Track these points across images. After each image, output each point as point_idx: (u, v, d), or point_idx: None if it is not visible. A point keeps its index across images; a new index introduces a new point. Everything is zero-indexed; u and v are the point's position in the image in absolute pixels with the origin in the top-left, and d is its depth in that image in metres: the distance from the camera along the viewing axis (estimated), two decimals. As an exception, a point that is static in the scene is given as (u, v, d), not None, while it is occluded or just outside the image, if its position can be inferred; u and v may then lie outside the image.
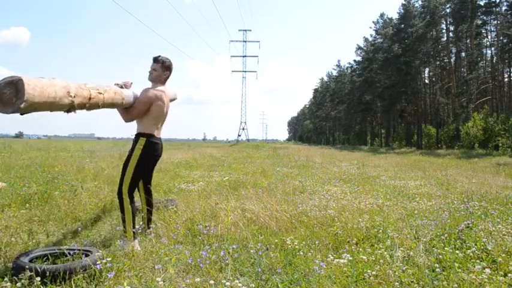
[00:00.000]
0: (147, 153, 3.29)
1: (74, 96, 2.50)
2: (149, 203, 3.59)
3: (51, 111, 2.46)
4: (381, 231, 3.38)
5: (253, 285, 2.24)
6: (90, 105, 2.73)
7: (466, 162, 16.73)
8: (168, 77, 3.46)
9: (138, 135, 3.31)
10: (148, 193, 3.61)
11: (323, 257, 2.76)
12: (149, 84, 3.43)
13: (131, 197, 3.24)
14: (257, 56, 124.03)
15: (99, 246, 3.14)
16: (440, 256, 2.72)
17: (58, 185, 5.94)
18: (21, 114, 2.19)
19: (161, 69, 3.39)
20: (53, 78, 2.39)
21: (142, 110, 3.26)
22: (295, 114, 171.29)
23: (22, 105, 2.05)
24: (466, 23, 32.96)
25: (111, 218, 4.19)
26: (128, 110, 3.30)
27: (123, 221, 3.19)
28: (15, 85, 2.06)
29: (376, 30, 51.83)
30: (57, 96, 2.33)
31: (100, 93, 2.82)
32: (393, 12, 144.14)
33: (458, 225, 3.40)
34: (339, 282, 2.34)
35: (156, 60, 3.39)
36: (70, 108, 2.52)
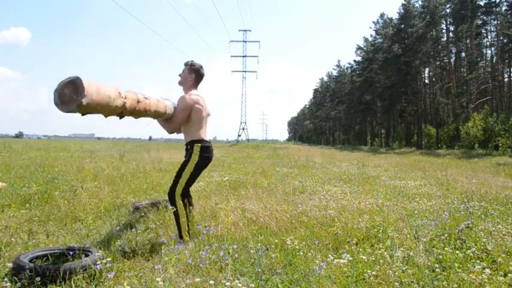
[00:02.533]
0: (204, 158, 3.37)
1: (125, 98, 2.60)
2: (191, 203, 3.68)
3: (106, 114, 2.53)
4: (381, 231, 3.38)
5: (253, 286, 2.24)
6: (139, 109, 2.80)
7: (466, 162, 16.73)
8: (197, 81, 3.51)
9: (192, 143, 3.37)
10: (189, 195, 3.70)
11: (323, 257, 2.75)
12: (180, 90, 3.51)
13: (183, 200, 3.30)
14: (257, 56, 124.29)
15: (99, 246, 3.14)
16: (440, 256, 2.72)
17: (58, 185, 5.94)
18: (83, 114, 2.31)
19: (187, 71, 3.47)
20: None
21: (184, 118, 3.33)
22: (295, 114, 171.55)
23: (83, 100, 2.17)
24: (466, 23, 32.97)
25: (111, 218, 4.19)
26: (170, 121, 3.39)
27: (178, 224, 3.24)
28: (73, 84, 2.19)
29: (376, 31, 51.84)
30: (111, 95, 2.44)
31: (146, 98, 2.91)
32: (393, 12, 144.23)
33: (458, 225, 3.40)
34: (339, 282, 2.34)
35: (185, 64, 3.51)
36: (123, 111, 2.61)
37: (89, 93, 2.20)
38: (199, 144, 3.35)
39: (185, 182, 3.31)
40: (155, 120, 3.42)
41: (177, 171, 3.39)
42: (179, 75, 3.51)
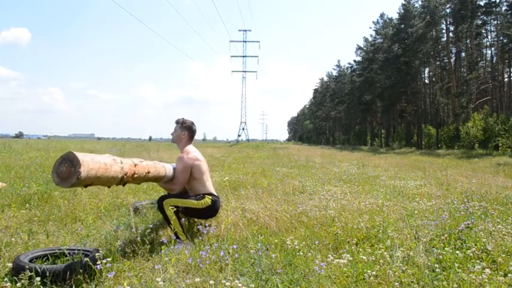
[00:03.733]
0: (211, 209, 3.41)
1: (121, 163, 2.67)
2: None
3: (108, 182, 2.60)
4: (381, 231, 3.38)
5: (253, 286, 2.24)
6: (138, 173, 2.87)
7: (466, 162, 16.72)
8: (190, 137, 3.60)
9: (204, 194, 3.42)
10: None
11: (323, 257, 2.75)
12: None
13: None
14: (257, 56, 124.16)
15: (99, 246, 3.14)
16: (440, 256, 2.72)
17: (58, 185, 5.93)
18: (85, 186, 2.42)
19: (180, 129, 3.55)
20: None
21: (186, 178, 3.39)
22: (295, 114, 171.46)
23: (81, 169, 2.25)
24: (466, 23, 32.97)
25: (111, 218, 4.19)
26: (173, 183, 3.41)
27: (170, 227, 3.24)
28: (67, 159, 2.30)
29: (376, 31, 51.83)
30: (107, 162, 2.51)
31: (141, 161, 3.00)
32: (393, 12, 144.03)
33: (458, 226, 3.40)
34: (339, 283, 2.33)
35: (176, 122, 3.59)
36: (123, 176, 2.67)
37: (85, 162, 2.29)
38: (210, 197, 3.41)
39: (179, 205, 3.26)
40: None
41: (178, 196, 3.37)
42: (171, 134, 3.60)
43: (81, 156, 2.29)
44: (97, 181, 2.46)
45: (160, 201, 3.27)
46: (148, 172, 3.02)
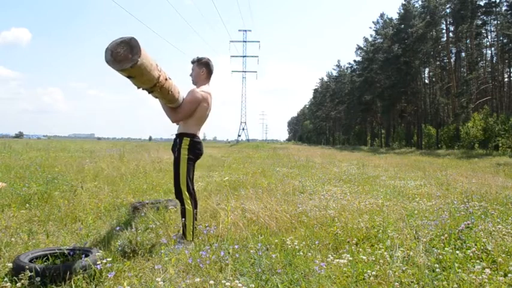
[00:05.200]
0: (193, 152, 3.36)
1: (160, 71, 2.68)
2: (196, 204, 3.69)
3: (144, 82, 2.61)
4: (381, 231, 3.38)
5: (253, 286, 2.24)
6: (166, 87, 2.86)
7: (466, 162, 16.72)
8: (209, 74, 3.52)
9: (182, 136, 3.36)
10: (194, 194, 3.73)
11: (323, 257, 2.75)
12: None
13: (191, 196, 3.29)
14: (257, 56, 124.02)
15: (99, 246, 3.14)
16: (440, 256, 2.72)
17: (58, 185, 5.94)
18: (128, 76, 2.42)
19: (198, 67, 3.48)
20: None
21: (190, 110, 3.33)
22: (295, 115, 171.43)
23: (139, 59, 2.26)
24: (466, 23, 32.96)
25: (111, 218, 4.19)
26: (176, 110, 3.36)
27: (184, 223, 3.22)
28: (128, 43, 2.29)
29: (376, 31, 51.82)
30: (153, 64, 2.53)
31: (170, 78, 2.97)
32: (393, 12, 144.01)
33: (458, 226, 3.39)
34: (339, 283, 2.33)
35: (192, 61, 3.51)
36: (156, 83, 2.68)
37: (143, 55, 2.30)
38: (189, 139, 3.34)
39: (185, 178, 3.28)
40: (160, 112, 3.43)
41: (173, 171, 3.37)
42: (190, 75, 3.52)
43: (141, 46, 2.29)
44: (139, 76, 2.46)
45: (179, 192, 3.25)
46: (171, 91, 3.01)
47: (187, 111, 3.33)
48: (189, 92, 3.36)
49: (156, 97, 3.08)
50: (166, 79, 2.84)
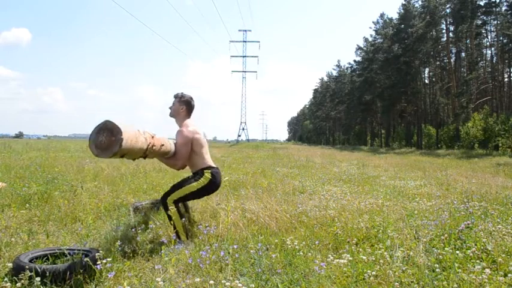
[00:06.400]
0: (212, 183, 3.40)
1: (144, 133, 2.69)
2: (187, 206, 3.78)
3: (137, 153, 2.62)
4: (381, 231, 3.38)
5: (253, 286, 2.24)
6: (155, 146, 2.88)
7: (466, 162, 16.72)
8: (188, 111, 3.56)
9: (202, 170, 3.40)
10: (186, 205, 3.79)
11: (323, 257, 2.75)
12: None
13: (177, 204, 3.31)
14: (257, 56, 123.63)
15: (99, 246, 3.14)
16: (440, 256, 2.72)
17: (58, 185, 5.94)
18: (121, 156, 2.42)
19: (178, 103, 3.51)
20: None
21: (187, 152, 3.36)
22: (295, 115, 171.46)
23: (123, 136, 2.24)
24: (466, 23, 32.94)
25: (111, 218, 4.19)
26: (175, 157, 3.39)
27: (174, 226, 3.24)
28: (105, 128, 2.28)
29: (376, 31, 51.81)
30: (135, 131, 2.52)
31: (155, 134, 3.00)
32: (393, 12, 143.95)
33: (458, 226, 3.39)
34: (339, 283, 2.33)
35: (174, 96, 3.55)
36: (147, 147, 2.70)
37: (124, 130, 2.29)
38: (210, 170, 3.40)
39: (182, 196, 3.30)
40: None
41: (179, 181, 3.40)
42: (170, 108, 3.55)
43: (118, 123, 2.27)
44: (131, 150, 2.45)
45: (164, 198, 3.26)
46: (162, 145, 3.02)
47: (185, 154, 3.36)
48: (178, 135, 3.40)
49: (153, 157, 3.11)
50: (152, 137, 2.85)
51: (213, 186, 3.43)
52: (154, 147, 2.84)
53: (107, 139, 2.25)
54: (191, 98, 3.56)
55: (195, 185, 3.32)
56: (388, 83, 42.47)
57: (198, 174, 3.40)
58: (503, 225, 3.47)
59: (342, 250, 3.00)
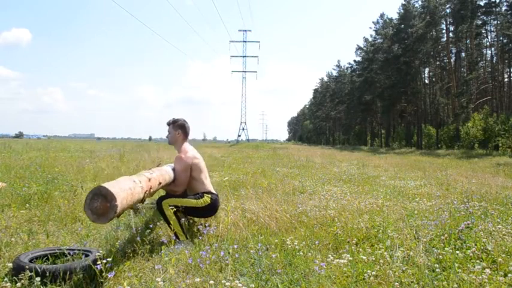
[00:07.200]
0: (210, 208, 3.42)
1: (140, 182, 2.69)
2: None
3: (134, 207, 2.71)
4: (381, 231, 3.38)
5: (253, 286, 2.24)
6: (152, 188, 2.90)
7: (466, 162, 16.72)
8: (185, 135, 3.58)
9: (202, 193, 3.42)
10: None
11: (323, 257, 2.75)
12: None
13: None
14: (257, 56, 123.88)
15: (99, 246, 3.14)
16: (440, 256, 2.72)
17: (58, 185, 5.94)
18: (118, 217, 2.39)
19: (173, 129, 3.54)
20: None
21: (187, 177, 3.39)
22: (295, 115, 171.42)
23: (118, 203, 2.23)
24: (466, 23, 32.94)
25: (111, 218, 4.18)
26: (175, 184, 3.42)
27: (170, 227, 3.25)
28: (99, 194, 2.25)
29: (376, 31, 51.81)
30: (131, 187, 2.52)
31: (151, 173, 3.03)
32: (393, 12, 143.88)
33: (458, 226, 3.40)
34: (339, 283, 2.33)
35: (167, 123, 3.57)
36: (144, 195, 2.72)
37: (117, 194, 2.26)
38: (209, 196, 3.41)
39: (178, 205, 3.28)
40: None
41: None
42: (167, 137, 3.59)
43: (112, 188, 2.26)
44: (128, 207, 2.49)
45: (160, 201, 3.27)
46: (160, 183, 3.07)
47: (184, 180, 3.40)
48: (176, 161, 3.43)
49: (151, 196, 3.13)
50: (149, 179, 2.87)
51: (210, 210, 3.45)
52: (152, 190, 2.87)
53: (101, 205, 2.24)
54: (184, 121, 3.60)
55: (193, 202, 3.34)
56: (388, 83, 42.46)
57: (198, 194, 3.42)
58: (503, 225, 3.47)
59: (342, 250, 3.00)
